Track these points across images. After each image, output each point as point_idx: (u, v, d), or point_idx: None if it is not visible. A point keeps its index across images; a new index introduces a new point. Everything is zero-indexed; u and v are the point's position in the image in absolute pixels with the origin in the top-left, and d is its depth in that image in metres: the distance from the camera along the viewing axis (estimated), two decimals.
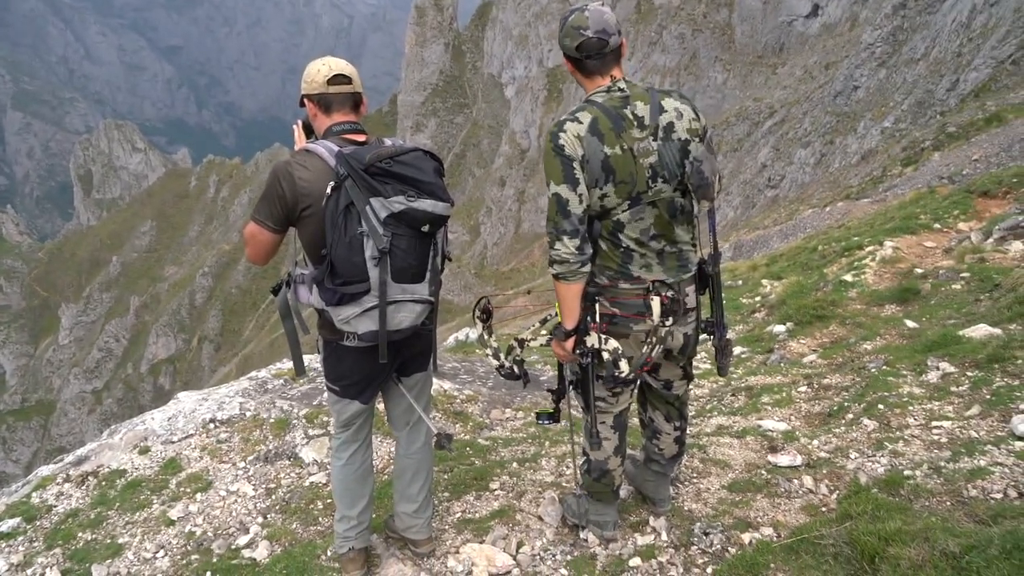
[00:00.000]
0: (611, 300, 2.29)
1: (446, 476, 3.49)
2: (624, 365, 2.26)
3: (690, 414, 2.70)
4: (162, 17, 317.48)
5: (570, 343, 2.31)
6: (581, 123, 2.15)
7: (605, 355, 2.27)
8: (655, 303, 2.23)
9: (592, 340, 2.27)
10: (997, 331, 4.05)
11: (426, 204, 2.19)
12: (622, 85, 2.22)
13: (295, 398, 4.86)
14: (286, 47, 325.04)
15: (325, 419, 4.46)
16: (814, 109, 29.61)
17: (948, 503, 2.47)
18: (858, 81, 27.23)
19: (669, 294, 2.25)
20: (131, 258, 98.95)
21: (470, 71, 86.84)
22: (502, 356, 2.69)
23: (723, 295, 2.45)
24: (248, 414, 4.53)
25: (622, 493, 2.91)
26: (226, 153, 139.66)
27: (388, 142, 2.30)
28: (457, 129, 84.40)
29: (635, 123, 2.16)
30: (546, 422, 2.71)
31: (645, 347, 2.28)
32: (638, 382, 2.63)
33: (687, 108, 2.22)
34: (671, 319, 2.27)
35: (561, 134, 2.15)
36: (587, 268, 2.20)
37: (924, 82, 22.66)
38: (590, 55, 2.20)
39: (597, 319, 2.27)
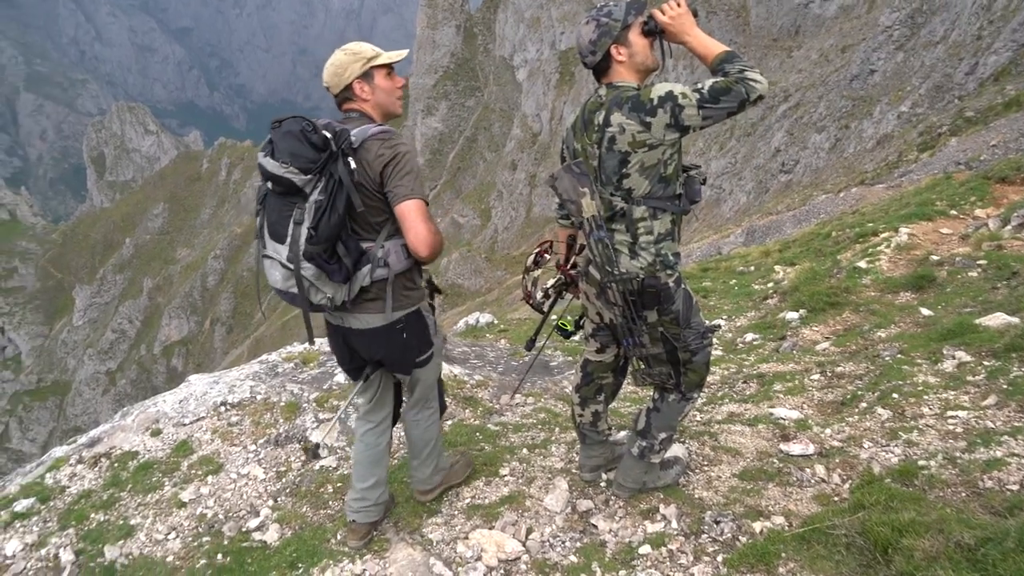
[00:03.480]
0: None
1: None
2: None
3: (679, 402, 2.70)
4: None
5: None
6: (573, 116, 2.61)
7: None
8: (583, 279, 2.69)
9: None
10: (1015, 320, 3.99)
11: (263, 160, 2.29)
12: (603, 92, 2.47)
13: (305, 382, 4.88)
14: (296, 29, 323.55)
15: (336, 403, 4.48)
16: (829, 93, 29.18)
17: (963, 494, 2.44)
18: (875, 65, 26.77)
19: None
20: (144, 240, 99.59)
21: (482, 54, 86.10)
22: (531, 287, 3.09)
23: (642, 312, 2.50)
24: (259, 397, 4.55)
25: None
26: (237, 136, 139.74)
27: (351, 130, 2.38)
28: (468, 112, 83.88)
29: (595, 129, 2.43)
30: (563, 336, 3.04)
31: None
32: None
33: (632, 123, 2.31)
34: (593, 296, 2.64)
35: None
36: None
37: (943, 65, 22.24)
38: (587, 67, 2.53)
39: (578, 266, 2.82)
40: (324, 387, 4.72)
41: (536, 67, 69.95)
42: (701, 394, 2.90)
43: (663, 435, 2.78)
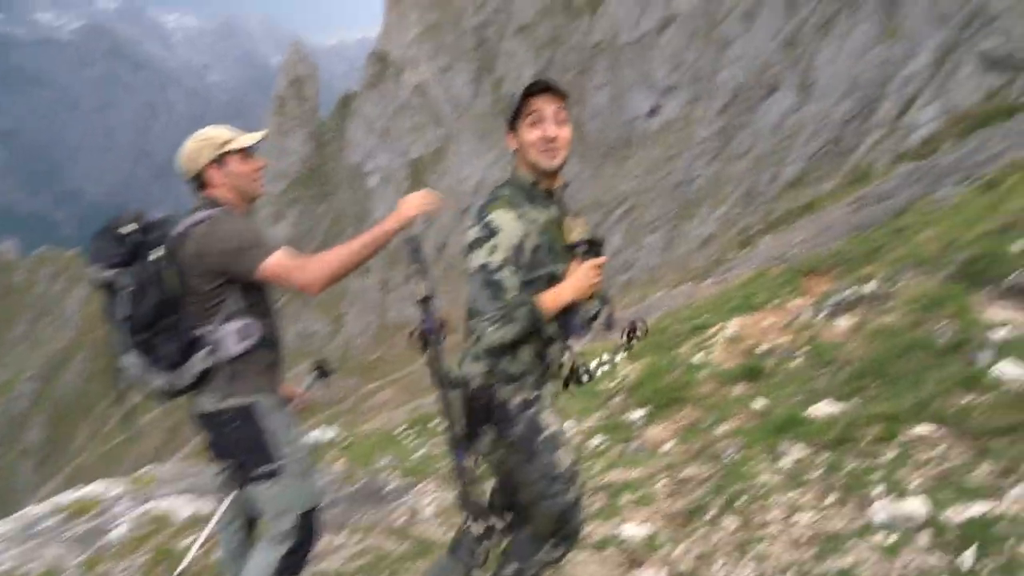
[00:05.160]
0: None
1: None
2: None
3: (530, 542, 2.27)
4: None
5: None
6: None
7: None
8: None
9: None
10: (839, 407, 4.06)
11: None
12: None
13: (73, 540, 3.91)
14: (137, 131, 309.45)
15: (110, 566, 3.59)
16: (660, 198, 32.00)
17: None
18: (696, 173, 29.90)
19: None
20: None
21: (333, 161, 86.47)
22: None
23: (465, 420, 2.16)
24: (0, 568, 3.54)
25: None
26: (65, 242, 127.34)
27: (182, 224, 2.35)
28: (319, 219, 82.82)
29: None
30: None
31: None
32: None
33: (472, 231, 2.11)
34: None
35: None
36: None
37: (751, 174, 25.23)
38: None
39: None
40: (96, 545, 3.79)
41: (387, 174, 71.24)
42: (559, 550, 2.33)
43: (512, 566, 2.31)
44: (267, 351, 2.40)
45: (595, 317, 2.26)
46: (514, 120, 2.12)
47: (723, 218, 25.01)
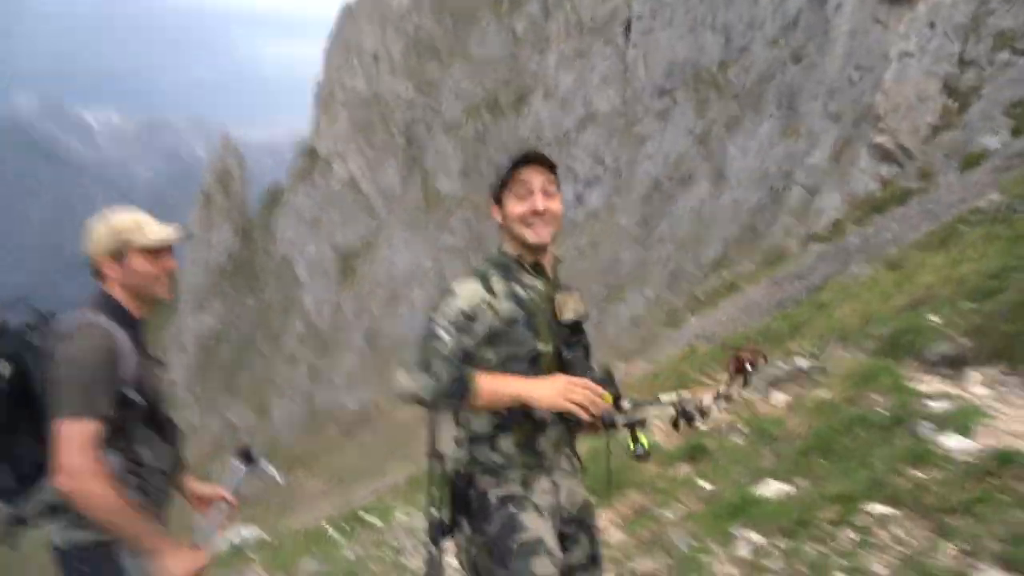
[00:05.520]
0: None
1: None
2: None
3: None
4: None
5: None
6: None
7: None
8: None
9: None
10: (788, 487, 3.92)
11: None
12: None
13: None
14: (51, 225, 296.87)
15: None
16: (588, 282, 32.67)
17: None
18: (622, 257, 30.81)
19: None
20: None
21: (261, 253, 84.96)
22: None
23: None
24: None
25: None
26: None
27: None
28: (246, 311, 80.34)
29: None
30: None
31: None
32: None
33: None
34: None
35: None
36: None
37: (674, 258, 26.18)
38: None
39: None
40: None
41: (317, 264, 70.40)
42: None
43: None
44: (136, 482, 1.99)
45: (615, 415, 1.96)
46: (500, 192, 1.99)
47: (650, 300, 25.66)
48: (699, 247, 24.42)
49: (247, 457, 2.50)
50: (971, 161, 15.31)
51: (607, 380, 1.98)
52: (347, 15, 72.44)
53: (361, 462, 38.99)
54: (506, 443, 1.92)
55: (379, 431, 43.64)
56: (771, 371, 6.51)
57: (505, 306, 1.91)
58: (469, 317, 1.87)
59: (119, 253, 2.06)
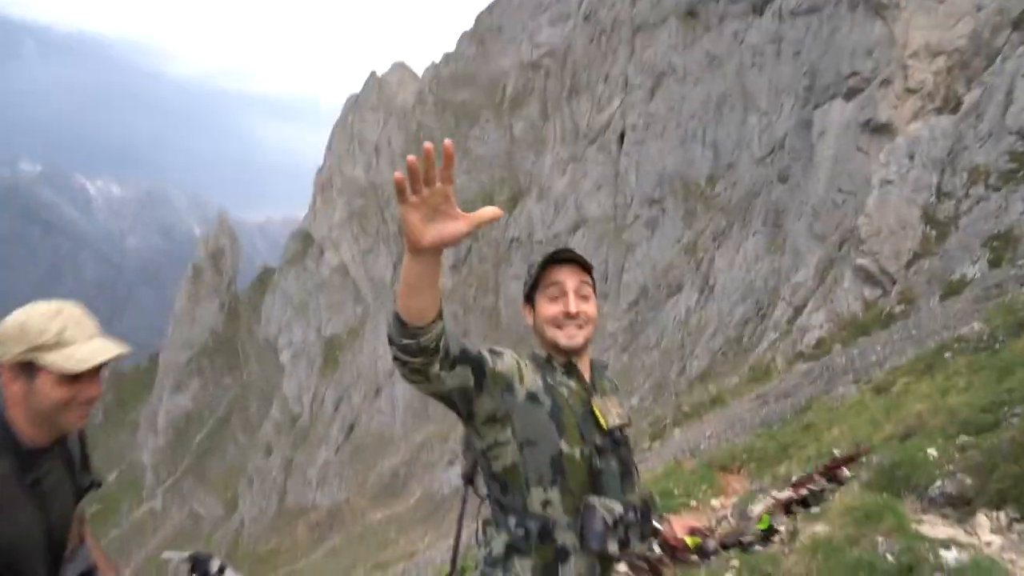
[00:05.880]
0: None
1: None
2: None
3: None
4: None
5: None
6: None
7: None
8: None
9: None
10: None
11: None
12: None
13: None
14: (38, 293, 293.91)
15: None
16: None
17: None
18: (606, 363, 30.56)
19: None
20: None
21: (245, 333, 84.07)
22: None
23: None
24: None
25: None
26: None
27: None
28: (224, 391, 78.52)
29: None
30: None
31: None
32: None
33: None
34: None
35: None
36: None
37: (660, 367, 25.99)
38: None
39: None
40: None
41: (301, 350, 69.52)
42: None
43: None
44: None
45: (632, 524, 1.73)
46: (531, 292, 1.88)
47: (634, 409, 25.22)
48: (685, 357, 24.35)
49: (201, 571, 2.15)
50: (952, 289, 15.60)
51: (644, 510, 1.79)
52: (353, 105, 75.56)
53: (325, 568, 36.79)
54: (520, 567, 1.68)
55: (350, 532, 41.52)
56: (761, 503, 6.22)
57: (532, 379, 1.73)
58: (509, 368, 1.69)
59: (28, 367, 1.59)
